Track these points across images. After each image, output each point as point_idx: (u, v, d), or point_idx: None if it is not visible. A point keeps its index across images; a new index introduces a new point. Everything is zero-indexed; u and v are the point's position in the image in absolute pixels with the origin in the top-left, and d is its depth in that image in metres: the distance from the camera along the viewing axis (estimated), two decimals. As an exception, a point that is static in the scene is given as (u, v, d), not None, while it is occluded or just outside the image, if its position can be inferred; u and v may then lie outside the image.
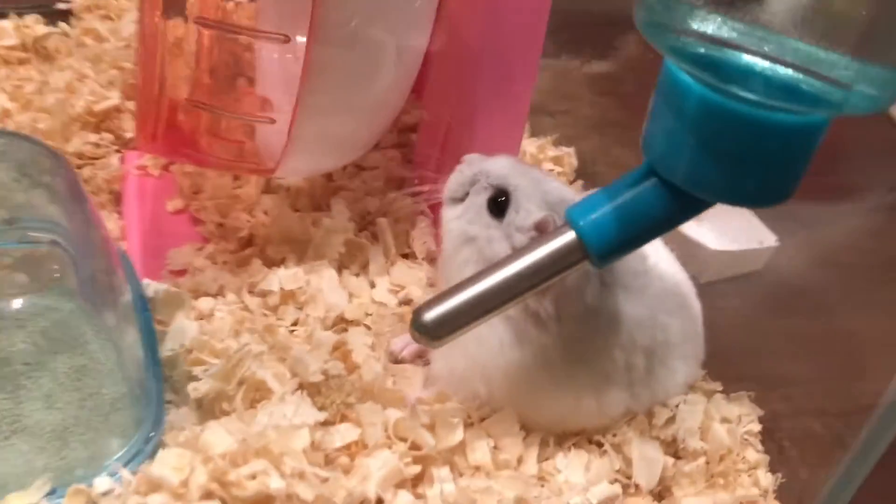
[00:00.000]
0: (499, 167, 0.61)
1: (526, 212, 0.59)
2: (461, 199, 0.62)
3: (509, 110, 0.71)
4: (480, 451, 0.58)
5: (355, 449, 0.55)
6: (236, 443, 0.52)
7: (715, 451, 0.63)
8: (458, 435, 0.57)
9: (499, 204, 0.60)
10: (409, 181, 0.82)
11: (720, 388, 0.69)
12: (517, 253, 0.54)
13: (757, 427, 0.65)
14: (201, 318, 0.68)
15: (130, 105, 0.88)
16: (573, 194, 0.62)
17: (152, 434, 0.55)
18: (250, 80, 0.77)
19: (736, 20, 0.46)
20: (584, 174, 0.92)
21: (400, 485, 0.54)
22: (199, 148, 0.72)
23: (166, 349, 0.62)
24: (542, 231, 0.58)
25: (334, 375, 0.58)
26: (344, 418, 0.57)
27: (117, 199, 0.82)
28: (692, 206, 0.52)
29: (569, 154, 0.92)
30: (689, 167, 0.49)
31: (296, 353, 0.59)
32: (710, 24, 0.46)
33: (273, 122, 0.66)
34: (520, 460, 0.60)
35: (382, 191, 0.81)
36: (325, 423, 0.55)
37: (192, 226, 0.80)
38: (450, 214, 0.62)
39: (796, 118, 0.47)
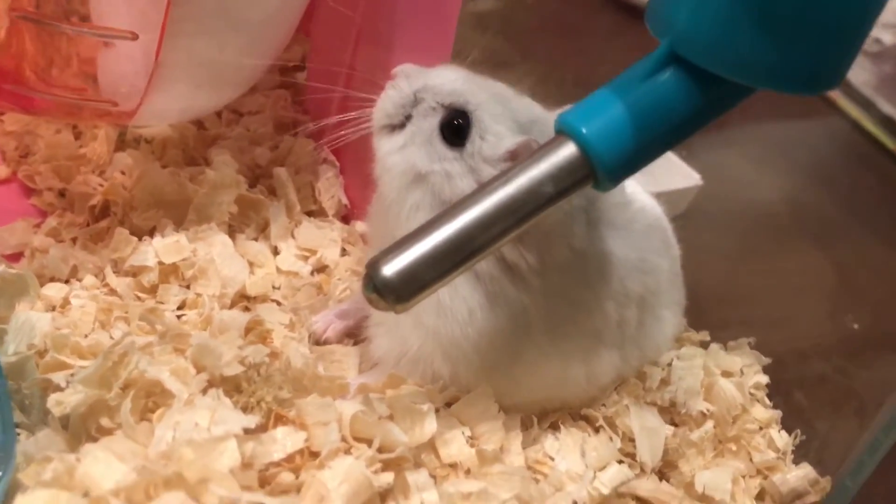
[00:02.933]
0: (450, 80, 0.47)
1: (495, 137, 0.45)
2: (400, 126, 0.48)
3: (437, 19, 0.57)
4: (456, 444, 0.45)
5: (301, 460, 0.40)
6: (133, 471, 0.36)
7: (724, 413, 0.52)
8: (431, 425, 0.43)
9: (456, 128, 0.46)
10: (302, 124, 0.67)
11: (708, 338, 0.58)
12: (497, 179, 0.41)
13: (764, 379, 0.55)
14: (52, 310, 0.50)
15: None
16: (546, 112, 0.49)
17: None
18: (84, 18, 0.60)
19: None
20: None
21: (369, 502, 0.39)
22: (28, 84, 0.54)
23: (7, 353, 0.45)
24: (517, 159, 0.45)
25: (256, 365, 0.43)
26: (279, 420, 0.41)
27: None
28: (727, 97, 0.40)
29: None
30: (728, 41, 0.38)
31: (199, 340, 0.43)
32: None
33: (134, 37, 0.49)
34: (502, 450, 0.47)
35: (272, 138, 0.65)
36: (255, 431, 0.40)
37: (24, 197, 0.62)
38: (387, 146, 0.47)
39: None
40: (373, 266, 0.40)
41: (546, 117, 0.48)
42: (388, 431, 0.41)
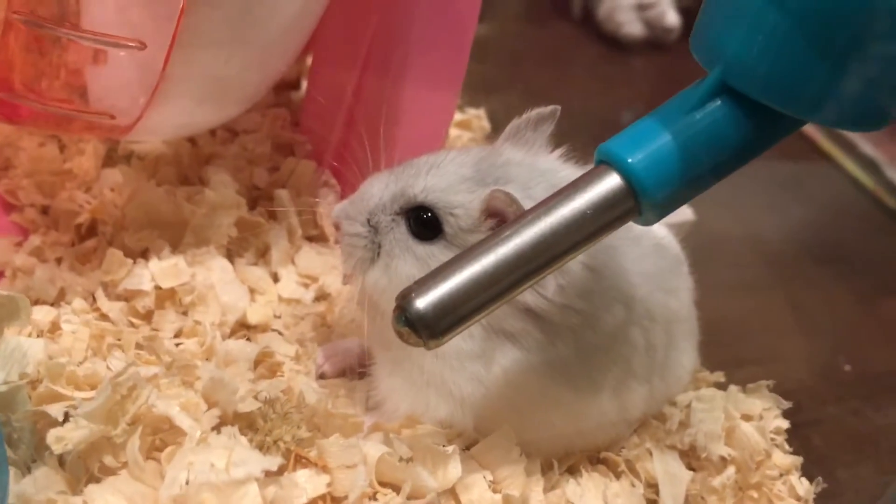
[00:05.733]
0: (384, 188, 0.45)
1: (461, 206, 0.43)
2: (376, 256, 0.45)
3: (451, 49, 0.56)
4: (477, 489, 0.42)
5: (323, 506, 0.37)
6: (149, 518, 0.32)
7: (746, 459, 0.50)
8: (455, 469, 0.41)
9: (426, 222, 0.44)
10: (300, 146, 0.64)
11: (723, 379, 0.56)
12: (536, 211, 0.39)
13: (784, 423, 0.53)
14: (39, 336, 0.46)
15: None
16: (477, 148, 0.48)
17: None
18: (75, 26, 0.57)
19: None
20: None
21: (398, 553, 0.37)
22: (18, 93, 0.51)
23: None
24: (496, 213, 0.43)
25: (271, 400, 0.40)
26: (299, 461, 0.38)
27: None
28: (778, 129, 0.39)
29: (478, 116, 0.77)
30: (783, 73, 0.36)
31: (211, 373, 0.40)
32: None
33: (143, 46, 0.46)
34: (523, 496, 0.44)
35: (270, 158, 0.62)
36: (274, 473, 0.37)
37: (3, 213, 0.58)
38: (372, 276, 0.45)
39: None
40: (405, 298, 0.37)
41: (480, 153, 0.46)
42: (417, 476, 0.38)
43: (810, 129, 1.07)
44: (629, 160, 0.38)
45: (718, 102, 0.38)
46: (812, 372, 0.61)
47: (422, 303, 0.37)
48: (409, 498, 0.37)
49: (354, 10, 0.59)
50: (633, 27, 1.16)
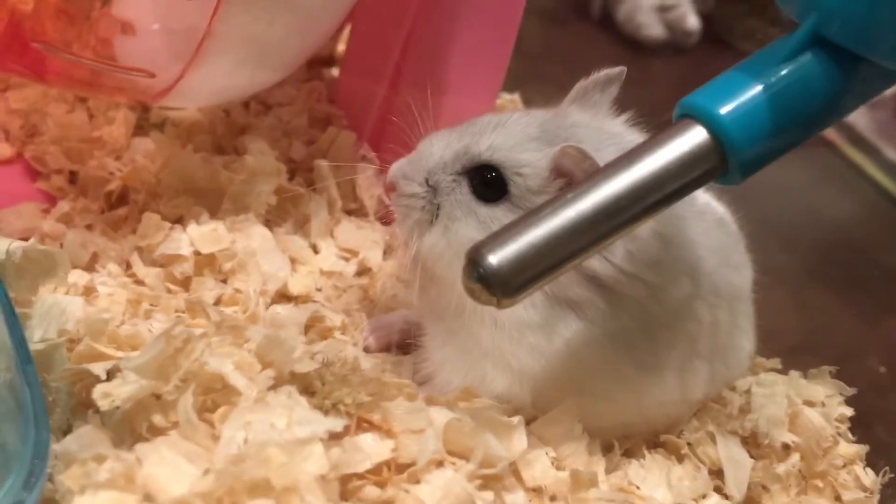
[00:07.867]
0: (446, 147, 0.42)
1: (529, 165, 0.41)
2: (434, 219, 0.43)
3: (498, 24, 0.54)
4: (540, 466, 0.40)
5: (388, 473, 0.34)
6: (211, 475, 0.30)
7: (811, 446, 0.48)
8: (521, 441, 0.38)
9: (490, 182, 0.41)
10: (337, 120, 0.62)
11: (780, 366, 0.54)
12: (614, 165, 0.36)
13: (848, 411, 0.51)
14: (74, 298, 0.44)
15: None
16: (538, 110, 0.45)
17: (33, 478, 0.32)
18: (105, 2, 0.55)
19: None
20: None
21: (468, 523, 0.34)
22: (49, 42, 0.49)
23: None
24: (566, 172, 0.40)
25: (329, 362, 0.37)
26: (361, 425, 0.35)
27: None
28: (874, 82, 0.37)
29: (513, 101, 0.75)
30: (883, 20, 0.34)
31: (265, 332, 0.37)
32: None
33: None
34: (585, 475, 0.42)
35: (306, 131, 0.60)
36: (336, 436, 0.34)
37: (29, 180, 0.56)
38: (430, 240, 0.42)
39: None
40: (477, 252, 0.35)
41: (544, 115, 0.44)
42: (487, 444, 0.35)
43: (834, 136, 1.06)
44: (719, 111, 0.36)
45: (810, 55, 0.36)
46: (867, 363, 0.59)
47: (495, 258, 0.35)
48: (480, 466, 0.35)
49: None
50: (653, 29, 1.13)
